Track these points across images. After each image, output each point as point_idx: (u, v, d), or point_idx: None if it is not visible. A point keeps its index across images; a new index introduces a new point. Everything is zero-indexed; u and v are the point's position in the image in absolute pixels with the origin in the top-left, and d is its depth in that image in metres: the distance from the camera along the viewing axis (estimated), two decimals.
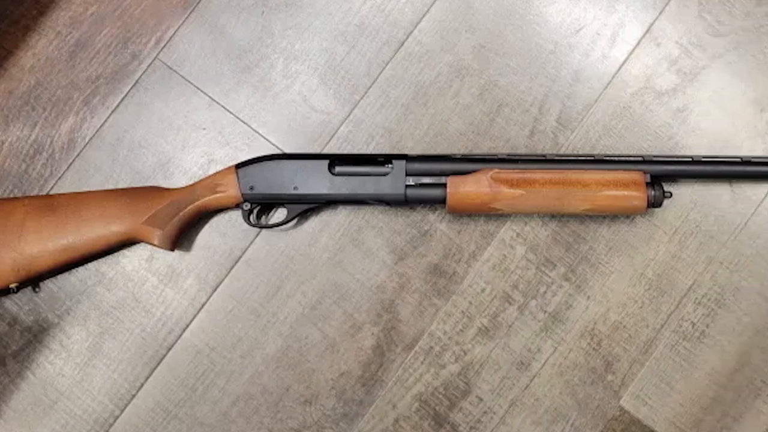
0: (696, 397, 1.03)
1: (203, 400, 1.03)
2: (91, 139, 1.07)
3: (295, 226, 1.06)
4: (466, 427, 1.03)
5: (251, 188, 0.99)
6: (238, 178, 0.99)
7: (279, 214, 1.05)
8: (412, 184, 0.99)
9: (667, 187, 0.99)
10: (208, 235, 1.05)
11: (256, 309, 1.05)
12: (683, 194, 1.05)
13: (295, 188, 0.99)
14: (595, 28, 1.07)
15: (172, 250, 1.01)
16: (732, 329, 1.03)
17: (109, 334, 1.04)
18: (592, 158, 0.99)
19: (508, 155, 1.00)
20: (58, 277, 1.04)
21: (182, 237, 1.02)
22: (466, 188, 0.98)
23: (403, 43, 1.07)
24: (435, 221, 1.05)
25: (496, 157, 0.99)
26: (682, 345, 1.03)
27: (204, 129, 1.07)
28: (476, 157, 1.00)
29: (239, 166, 1.00)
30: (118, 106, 1.07)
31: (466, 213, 1.02)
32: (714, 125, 1.06)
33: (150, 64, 1.07)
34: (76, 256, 0.99)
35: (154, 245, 0.99)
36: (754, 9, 1.06)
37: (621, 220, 1.05)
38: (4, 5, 1.07)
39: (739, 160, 0.99)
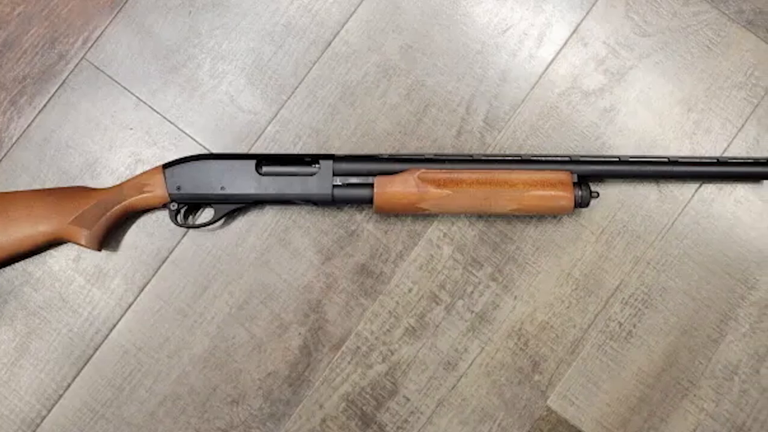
0: (623, 397, 1.03)
1: (130, 400, 1.03)
2: (18, 139, 1.06)
3: (222, 226, 1.05)
4: (393, 427, 1.03)
5: (178, 188, 0.99)
6: (165, 178, 0.99)
7: (206, 214, 1.05)
8: (340, 184, 0.99)
9: (594, 187, 0.99)
10: (135, 235, 1.05)
11: (183, 309, 1.04)
12: (610, 194, 1.05)
13: (222, 188, 0.99)
14: (522, 28, 1.07)
15: (99, 250, 1.01)
16: (659, 329, 1.03)
17: (36, 334, 1.04)
18: (519, 158, 0.99)
19: (435, 155, 1.00)
20: None
21: (109, 237, 1.03)
22: (393, 188, 0.98)
23: (330, 43, 1.07)
24: (362, 221, 1.05)
25: (423, 157, 1.00)
26: (609, 345, 1.03)
27: (131, 129, 1.07)
28: (403, 157, 1.00)
29: (166, 166, 1.00)
30: (45, 106, 1.07)
31: (393, 213, 1.02)
32: (641, 125, 1.06)
33: (77, 64, 1.07)
34: (3, 256, 0.99)
35: (81, 245, 0.99)
36: (681, 9, 1.06)
37: (548, 220, 1.05)
38: None
39: (666, 160, 1.00)
